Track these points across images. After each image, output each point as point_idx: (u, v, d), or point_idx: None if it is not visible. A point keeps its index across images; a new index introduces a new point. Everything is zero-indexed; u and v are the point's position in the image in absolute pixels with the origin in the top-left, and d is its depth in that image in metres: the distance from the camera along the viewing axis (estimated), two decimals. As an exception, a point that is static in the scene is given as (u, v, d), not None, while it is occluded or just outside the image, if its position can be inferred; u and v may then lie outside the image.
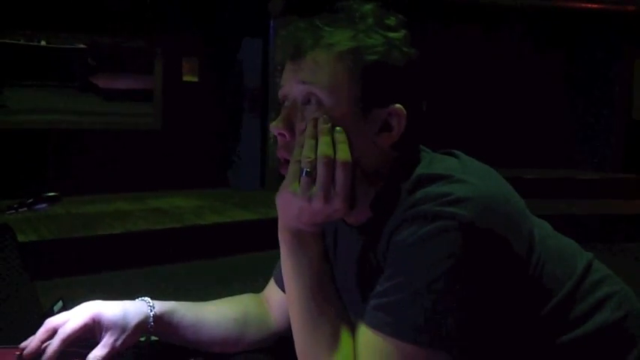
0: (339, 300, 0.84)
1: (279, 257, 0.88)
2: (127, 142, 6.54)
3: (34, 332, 0.91)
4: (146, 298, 0.97)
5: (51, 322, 0.91)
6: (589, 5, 7.05)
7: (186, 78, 6.77)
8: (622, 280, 0.93)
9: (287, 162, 0.84)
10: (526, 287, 0.81)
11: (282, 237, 0.85)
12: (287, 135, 0.84)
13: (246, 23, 6.70)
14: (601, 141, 7.89)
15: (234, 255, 4.93)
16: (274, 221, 0.87)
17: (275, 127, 0.85)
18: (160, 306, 0.97)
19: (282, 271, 0.87)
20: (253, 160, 6.87)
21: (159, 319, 0.96)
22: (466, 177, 0.79)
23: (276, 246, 0.87)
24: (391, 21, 0.85)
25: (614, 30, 7.60)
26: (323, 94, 0.82)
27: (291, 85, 0.85)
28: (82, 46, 15.40)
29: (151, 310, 0.95)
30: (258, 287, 1.15)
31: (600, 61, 7.79)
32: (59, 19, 6.07)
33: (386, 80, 0.83)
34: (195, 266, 4.69)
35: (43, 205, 1.09)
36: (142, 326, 0.94)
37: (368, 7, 0.85)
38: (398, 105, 0.83)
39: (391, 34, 0.83)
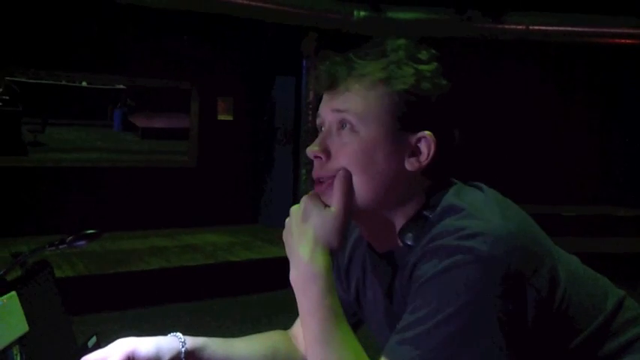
0: (351, 334, 0.84)
1: None
2: (163, 180, 6.66)
3: (68, 367, 0.92)
4: (177, 334, 0.99)
5: (88, 359, 0.93)
6: (621, 41, 6.98)
7: (221, 117, 6.89)
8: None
9: (320, 182, 0.89)
10: (551, 321, 0.81)
11: (291, 275, 0.87)
12: (323, 157, 0.89)
13: (279, 62, 6.83)
14: (633, 176, 7.72)
15: (265, 291, 4.92)
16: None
17: (311, 151, 0.89)
18: (192, 342, 0.99)
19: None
20: (285, 196, 6.91)
21: (190, 354, 0.98)
22: (488, 211, 0.81)
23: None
24: (423, 55, 0.89)
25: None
26: (355, 120, 0.86)
27: (327, 113, 0.90)
28: (121, 86, 15.91)
29: (183, 346, 0.97)
30: (287, 324, 1.16)
31: (633, 95, 7.68)
32: (100, 61, 6.29)
33: (416, 109, 0.86)
34: (226, 302, 4.69)
35: (83, 242, 1.11)
36: None
37: (401, 41, 0.89)
38: (428, 132, 0.86)
39: (422, 67, 0.87)
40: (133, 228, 6.07)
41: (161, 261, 5.09)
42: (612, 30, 6.92)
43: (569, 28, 6.84)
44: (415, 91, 0.86)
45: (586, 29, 6.87)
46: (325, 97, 0.91)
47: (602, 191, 7.88)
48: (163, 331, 1.01)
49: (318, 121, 0.92)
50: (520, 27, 6.82)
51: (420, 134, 0.86)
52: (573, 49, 7.29)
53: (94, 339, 1.06)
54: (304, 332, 0.86)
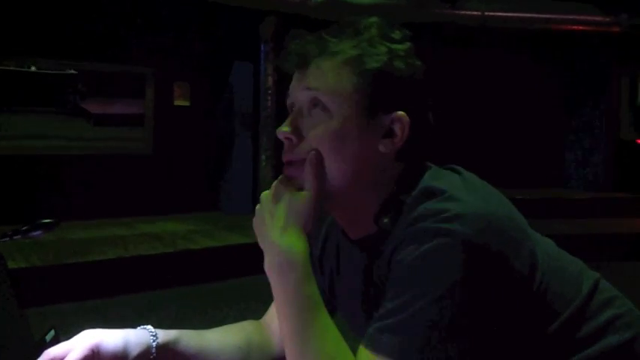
0: (331, 324, 0.81)
1: None
2: (118, 167, 6.51)
3: (26, 363, 0.87)
4: (148, 327, 0.94)
5: (49, 354, 0.87)
6: (576, 27, 7.15)
7: (177, 102, 6.77)
8: (629, 301, 0.92)
9: (290, 164, 0.86)
10: (530, 305, 0.80)
11: (265, 263, 0.84)
12: (294, 139, 0.86)
13: (237, 47, 6.74)
14: (592, 161, 7.96)
15: (227, 279, 4.88)
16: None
17: (281, 132, 0.86)
18: (163, 335, 0.94)
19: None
20: (245, 183, 6.86)
21: (162, 348, 0.93)
22: (467, 194, 0.80)
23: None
24: (396, 34, 0.87)
25: (602, 51, 7.72)
26: (327, 99, 0.84)
27: (297, 92, 0.87)
28: (72, 71, 15.45)
29: (154, 340, 0.92)
30: (251, 311, 1.13)
31: (590, 81, 7.90)
32: (49, 45, 6.08)
33: (389, 88, 0.84)
34: (187, 291, 4.64)
35: (39, 232, 1.06)
36: (145, 356, 0.91)
37: (373, 19, 0.87)
38: (401, 112, 0.84)
39: (395, 46, 0.85)
40: (89, 217, 5.93)
41: (119, 250, 4.98)
42: (566, 16, 7.07)
43: (525, 15, 6.96)
44: (389, 70, 0.84)
45: (541, 16, 7.01)
46: (296, 76, 0.88)
47: (557, 175, 8.11)
48: (124, 322, 0.96)
49: (288, 102, 0.89)
50: (476, 13, 6.90)
51: (394, 115, 0.84)
52: (530, 35, 7.43)
53: (52, 332, 1.00)
54: (281, 323, 0.83)
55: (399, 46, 0.86)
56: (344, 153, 0.83)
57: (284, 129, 0.86)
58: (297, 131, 0.86)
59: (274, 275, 0.82)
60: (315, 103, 0.85)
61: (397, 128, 0.84)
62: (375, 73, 0.83)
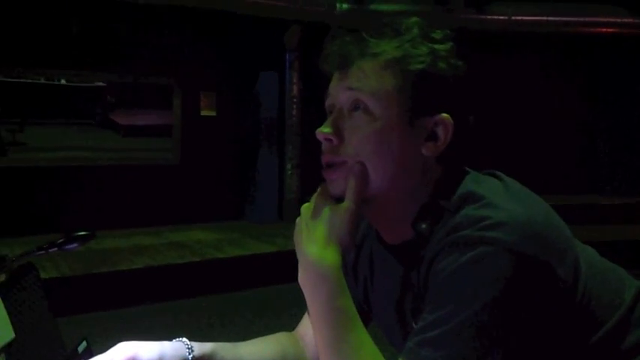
0: (367, 338, 0.79)
1: (299, 289, 0.86)
2: (146, 177, 6.58)
3: (58, 375, 0.87)
4: (184, 339, 0.93)
5: None
6: (605, 30, 7.03)
7: (204, 112, 6.83)
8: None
9: (329, 166, 0.84)
10: (574, 315, 0.78)
11: (299, 276, 0.82)
12: (334, 140, 0.83)
13: (262, 57, 6.78)
14: (623, 166, 7.79)
15: (254, 288, 4.89)
16: (292, 253, 0.85)
17: (322, 133, 0.84)
18: (199, 347, 0.92)
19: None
20: (271, 192, 6.87)
21: None
22: (509, 200, 0.77)
23: (293, 279, 0.84)
24: (437, 34, 0.84)
25: (630, 53, 7.57)
26: (370, 100, 0.82)
27: (339, 93, 0.85)
28: (100, 83, 15.70)
29: (190, 353, 0.91)
30: (279, 320, 1.11)
31: (618, 83, 7.74)
32: (78, 58, 6.18)
33: (432, 89, 0.82)
34: (215, 300, 4.65)
35: (75, 245, 1.05)
36: None
37: (414, 19, 0.85)
38: (445, 114, 0.82)
39: (437, 46, 0.83)
40: (118, 227, 5.99)
41: (147, 259, 5.02)
42: (595, 19, 6.96)
43: (551, 18, 6.87)
44: (432, 71, 0.81)
45: (569, 19, 6.91)
46: (336, 77, 0.85)
47: (585, 180, 7.95)
48: (152, 331, 0.96)
49: (327, 103, 0.87)
50: (503, 17, 6.83)
51: (438, 117, 0.82)
52: (558, 39, 7.32)
53: (84, 344, 1.00)
54: (316, 337, 0.81)
55: (441, 47, 0.83)
56: (386, 156, 0.81)
57: (325, 130, 0.83)
58: (338, 132, 0.83)
59: (308, 288, 0.80)
60: (357, 104, 0.83)
61: (440, 131, 0.82)
62: (419, 75, 0.81)
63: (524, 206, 0.77)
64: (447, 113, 0.82)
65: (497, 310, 0.70)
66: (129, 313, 4.19)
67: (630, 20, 6.93)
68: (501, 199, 0.77)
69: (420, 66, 0.81)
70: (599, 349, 0.79)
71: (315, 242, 0.80)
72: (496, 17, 6.81)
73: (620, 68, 7.75)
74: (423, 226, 0.82)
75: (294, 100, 6.69)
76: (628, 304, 0.83)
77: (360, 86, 0.82)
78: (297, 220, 0.85)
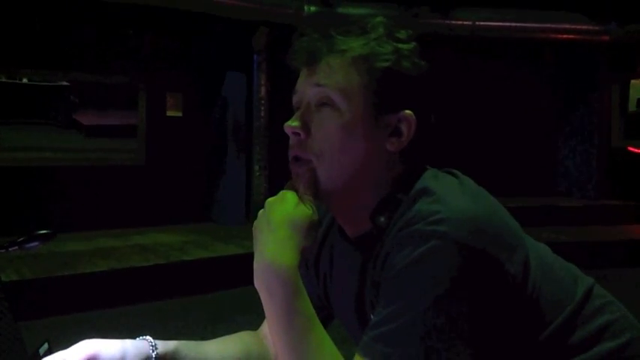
0: (326, 338, 0.80)
1: None
2: (111, 178, 6.48)
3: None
4: (147, 337, 0.92)
5: None
6: (566, 36, 7.20)
7: (169, 113, 6.76)
8: (623, 307, 0.92)
9: (297, 160, 0.86)
10: (523, 310, 0.80)
11: (254, 276, 0.82)
12: (302, 134, 0.86)
13: (229, 58, 6.75)
14: (583, 168, 7.99)
15: (220, 290, 4.86)
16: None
17: (290, 127, 0.86)
18: (163, 346, 0.92)
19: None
20: (238, 194, 6.83)
21: (161, 359, 0.91)
22: (461, 196, 0.80)
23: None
24: (401, 34, 0.88)
25: (592, 59, 7.77)
26: (337, 96, 0.84)
27: (306, 89, 0.87)
28: (64, 83, 15.39)
29: (153, 351, 0.91)
30: (246, 322, 1.12)
31: (581, 88, 7.94)
32: (41, 57, 6.06)
33: (397, 87, 0.85)
34: (180, 303, 4.61)
35: (36, 243, 1.04)
36: None
37: (379, 19, 0.89)
38: (408, 111, 0.85)
39: (401, 45, 0.86)
40: (81, 229, 5.88)
41: (111, 262, 4.95)
42: (556, 25, 7.12)
43: (514, 24, 7.01)
44: (396, 69, 0.85)
45: (532, 25, 7.06)
46: (304, 73, 0.88)
47: (548, 183, 8.13)
48: (116, 334, 0.95)
49: (295, 99, 0.89)
50: (467, 22, 6.94)
51: (401, 114, 0.85)
52: (521, 44, 7.47)
53: (45, 346, 0.99)
54: (273, 339, 0.81)
55: (405, 46, 0.87)
56: (351, 150, 0.84)
57: (293, 124, 0.86)
58: (305, 126, 0.86)
59: (263, 290, 0.80)
60: (324, 100, 0.85)
61: (404, 127, 0.85)
62: (384, 72, 0.84)
63: (475, 202, 0.79)
64: (410, 110, 0.85)
65: (445, 305, 0.72)
66: (91, 317, 4.13)
67: (589, 27, 7.12)
68: (453, 195, 0.79)
69: (385, 64, 0.84)
70: (549, 344, 0.81)
71: (271, 240, 0.80)
72: (460, 22, 6.92)
73: (580, 73, 7.95)
74: (382, 219, 0.84)
75: (262, 101, 6.67)
76: (578, 300, 0.86)
77: (328, 82, 0.85)
78: (260, 212, 0.85)
